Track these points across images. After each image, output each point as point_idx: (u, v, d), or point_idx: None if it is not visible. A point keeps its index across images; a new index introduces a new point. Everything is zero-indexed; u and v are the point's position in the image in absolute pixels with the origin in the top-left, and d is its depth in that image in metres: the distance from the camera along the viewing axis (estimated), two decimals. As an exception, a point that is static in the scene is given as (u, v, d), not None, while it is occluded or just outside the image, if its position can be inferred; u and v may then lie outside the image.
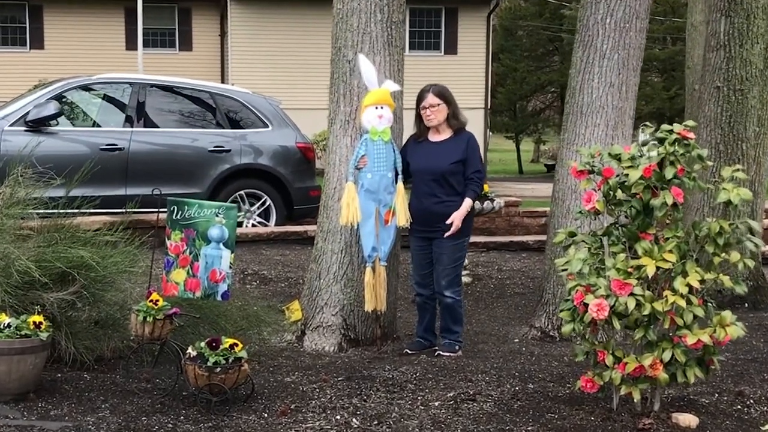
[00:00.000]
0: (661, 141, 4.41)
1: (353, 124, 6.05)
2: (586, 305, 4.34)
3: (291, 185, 10.39)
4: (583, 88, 6.44)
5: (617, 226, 4.58)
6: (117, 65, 21.77)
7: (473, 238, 9.99)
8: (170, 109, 10.34)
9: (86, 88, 10.18)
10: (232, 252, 5.01)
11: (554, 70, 43.04)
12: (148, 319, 4.60)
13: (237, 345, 4.56)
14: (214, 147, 10.12)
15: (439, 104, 5.78)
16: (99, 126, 10.04)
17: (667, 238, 4.43)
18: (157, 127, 10.11)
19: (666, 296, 4.30)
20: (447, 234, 5.72)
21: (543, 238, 10.28)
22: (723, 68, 7.55)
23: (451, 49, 27.18)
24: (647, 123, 4.49)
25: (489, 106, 28.50)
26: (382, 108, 5.75)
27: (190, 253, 4.98)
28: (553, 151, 56.75)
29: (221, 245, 4.99)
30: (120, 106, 10.13)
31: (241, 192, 10.26)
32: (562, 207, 6.55)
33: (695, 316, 4.36)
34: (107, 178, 9.66)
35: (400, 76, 6.18)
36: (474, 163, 5.83)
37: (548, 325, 6.54)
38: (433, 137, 5.88)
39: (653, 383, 4.45)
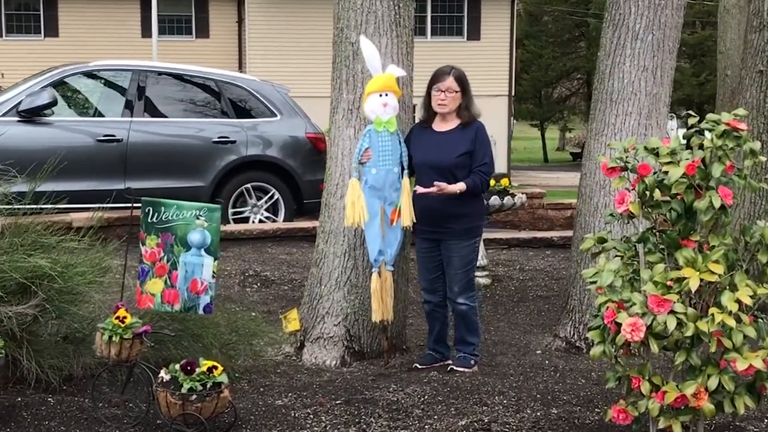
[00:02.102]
0: (700, 132, 3.79)
1: (357, 113, 5.45)
2: (618, 324, 3.73)
3: (300, 178, 9.79)
4: (614, 72, 5.80)
5: (654, 231, 3.95)
6: (133, 53, 21.28)
7: (494, 235, 9.42)
8: (173, 97, 9.75)
9: (83, 75, 9.63)
10: (215, 259, 4.43)
11: (580, 56, 42.26)
12: (114, 338, 4.04)
13: (216, 368, 3.99)
14: (219, 137, 9.54)
15: (456, 91, 5.16)
16: (96, 115, 9.49)
17: (713, 246, 3.80)
18: (159, 116, 9.55)
19: (712, 314, 3.67)
20: (421, 191, 5.05)
21: (568, 234, 9.65)
22: (766, 50, 6.85)
23: (474, 35, 26.47)
24: (690, 111, 3.85)
25: (513, 94, 27.77)
26: (386, 95, 5.14)
27: (167, 261, 4.40)
28: (579, 139, 55.91)
29: (203, 251, 4.41)
30: (119, 94, 9.57)
31: (248, 185, 9.68)
32: (590, 204, 5.92)
33: (745, 337, 3.73)
34: (105, 171, 9.16)
35: (409, 60, 5.57)
36: (481, 155, 5.17)
37: (574, 334, 5.92)
38: (439, 126, 5.26)
39: (696, 414, 3.82)
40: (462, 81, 5.18)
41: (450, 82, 5.15)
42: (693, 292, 3.71)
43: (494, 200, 7.38)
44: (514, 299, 7.27)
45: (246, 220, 9.70)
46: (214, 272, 4.44)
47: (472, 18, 26.38)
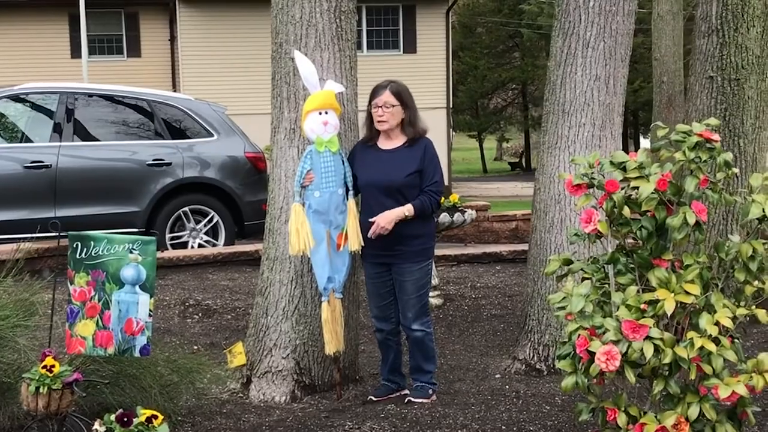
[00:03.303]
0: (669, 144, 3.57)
1: (300, 132, 5.13)
2: (591, 353, 3.47)
3: (241, 199, 9.43)
4: (565, 82, 5.58)
5: (624, 251, 3.71)
6: (62, 74, 20.69)
7: (442, 251, 9.15)
8: (104, 119, 9.33)
9: (8, 99, 9.15)
10: (151, 296, 4.08)
11: (515, 67, 42.49)
12: (41, 390, 3.66)
13: (156, 417, 3.63)
14: (154, 160, 9.13)
15: (394, 105, 4.86)
16: (23, 141, 9.02)
17: (687, 265, 3.57)
18: (89, 140, 9.12)
19: (691, 339, 3.44)
20: (370, 233, 4.77)
21: (517, 248, 9.48)
22: (716, 56, 6.71)
23: (411, 47, 26.35)
24: (659, 122, 3.62)
25: (451, 105, 27.67)
26: (326, 113, 4.84)
27: (99, 300, 4.04)
28: (516, 148, 56.29)
29: (137, 288, 4.06)
30: (47, 118, 9.10)
31: (186, 209, 9.29)
32: (545, 220, 5.69)
33: (725, 360, 3.51)
34: (33, 199, 8.70)
35: (352, 75, 5.27)
36: (431, 173, 4.87)
37: (533, 356, 5.67)
38: (385, 144, 4.96)
39: (676, 445, 3.58)
40: (401, 95, 4.89)
41: (386, 96, 4.86)
42: (669, 315, 3.48)
43: (444, 217, 7.12)
44: (467, 319, 7.00)
45: (185, 245, 9.31)
46: (150, 310, 4.09)
47: (408, 31, 26.25)
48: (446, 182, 26.49)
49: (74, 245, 4.02)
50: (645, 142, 41.60)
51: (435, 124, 26.20)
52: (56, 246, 4.11)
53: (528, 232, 12.53)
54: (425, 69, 25.69)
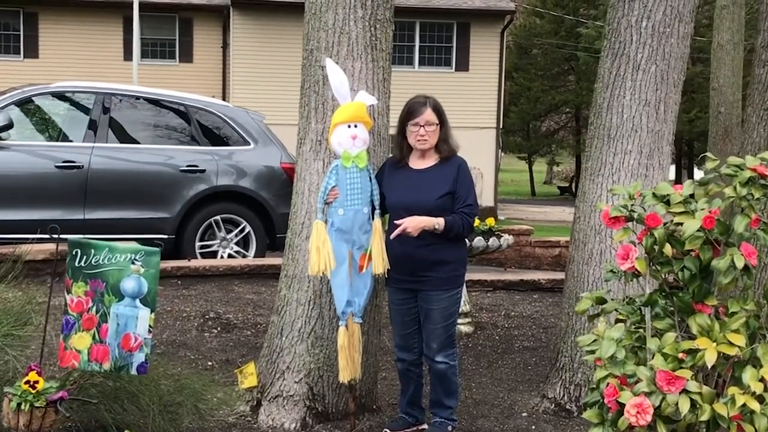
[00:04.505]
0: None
1: (326, 144, 4.86)
2: (621, 404, 3.13)
3: (274, 210, 9.18)
4: (612, 106, 5.25)
5: (664, 292, 3.36)
6: (114, 76, 20.78)
7: (478, 275, 8.83)
8: (139, 122, 9.15)
9: (45, 97, 9.00)
10: (152, 311, 3.82)
11: (569, 90, 42.00)
12: (23, 407, 3.41)
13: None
14: (187, 166, 8.93)
15: (437, 123, 4.57)
16: (57, 140, 8.87)
17: (733, 313, 3.22)
18: (123, 142, 8.94)
19: (732, 395, 3.08)
20: (394, 234, 4.44)
21: (557, 276, 9.12)
22: (776, 86, 6.32)
23: (463, 65, 26.06)
24: (708, 153, 3.28)
25: (501, 126, 27.32)
26: (356, 126, 4.54)
27: (96, 312, 3.80)
28: (567, 172, 55.67)
29: (138, 302, 3.81)
30: (82, 118, 8.95)
31: (217, 217, 9.07)
32: (583, 251, 5.35)
33: (770, 420, 3.14)
34: (63, 200, 8.54)
35: (385, 87, 4.99)
36: (465, 195, 4.56)
37: (564, 395, 5.33)
38: (416, 163, 4.66)
39: None
40: (440, 112, 4.60)
41: (429, 114, 4.55)
42: (710, 367, 3.13)
43: (478, 241, 6.79)
44: (498, 350, 6.66)
45: (214, 254, 9.08)
46: (150, 326, 3.83)
47: (461, 48, 25.99)
48: (492, 203, 26.15)
49: (73, 252, 3.78)
50: (699, 174, 40.85)
51: (484, 144, 25.96)
52: (55, 251, 3.85)
53: (571, 259, 12.25)
54: (477, 88, 25.43)
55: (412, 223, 4.43)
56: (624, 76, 5.20)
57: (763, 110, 6.42)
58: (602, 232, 5.25)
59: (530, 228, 12.93)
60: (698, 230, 3.14)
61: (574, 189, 46.66)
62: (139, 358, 3.84)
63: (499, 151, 28.40)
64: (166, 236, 8.80)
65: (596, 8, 38.43)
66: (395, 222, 4.48)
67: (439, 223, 4.47)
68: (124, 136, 8.97)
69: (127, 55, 23.20)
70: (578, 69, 41.10)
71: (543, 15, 41.57)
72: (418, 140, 4.56)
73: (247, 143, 9.27)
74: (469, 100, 24.75)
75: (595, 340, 3.32)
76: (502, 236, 6.95)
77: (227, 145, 9.23)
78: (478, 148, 24.23)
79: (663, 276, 3.31)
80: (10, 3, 24.12)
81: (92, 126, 8.78)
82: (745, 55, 19.48)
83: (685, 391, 3.08)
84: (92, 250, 3.79)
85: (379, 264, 4.61)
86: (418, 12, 24.65)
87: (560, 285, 8.78)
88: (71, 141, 8.79)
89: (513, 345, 6.80)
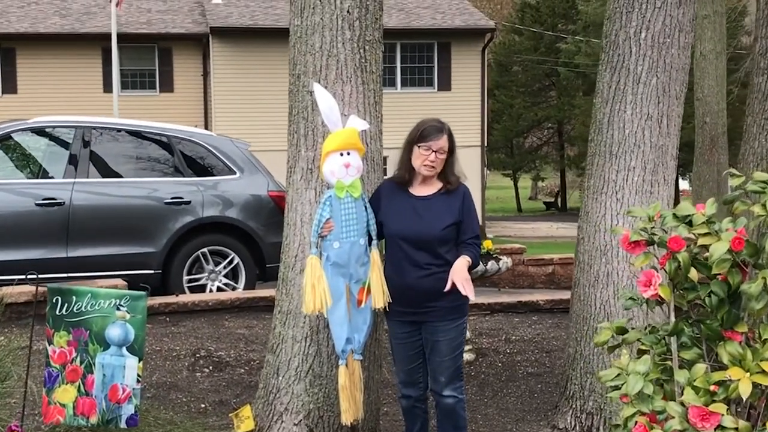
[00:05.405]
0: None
1: (318, 172, 4.63)
2: (650, 443, 2.91)
3: (263, 240, 8.92)
4: (613, 121, 5.06)
5: (689, 320, 3.14)
6: (95, 109, 20.51)
7: (475, 299, 8.58)
8: (121, 155, 8.87)
9: (23, 132, 8.74)
10: (140, 360, 3.57)
11: (551, 106, 42.04)
12: (3, 471, 3.16)
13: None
14: (172, 198, 8.68)
15: (446, 152, 4.33)
16: (36, 177, 8.61)
17: (766, 339, 3.00)
18: (105, 176, 8.68)
19: (770, 428, 2.86)
20: (447, 288, 4.17)
21: (555, 296, 8.91)
22: (776, 94, 6.15)
23: (445, 85, 25.98)
24: (734, 170, 3.07)
25: (485, 144, 27.18)
26: (348, 154, 4.30)
27: (81, 363, 3.55)
28: (551, 187, 55.57)
29: (124, 350, 3.56)
30: (62, 153, 8.69)
31: (205, 250, 8.81)
32: (589, 273, 5.13)
33: (810, 454, 2.92)
34: (45, 239, 8.27)
35: (377, 110, 4.77)
36: (471, 226, 4.35)
37: (575, 425, 5.10)
38: (418, 189, 4.41)
39: None
40: (453, 140, 4.37)
41: (443, 141, 4.30)
42: (744, 399, 2.91)
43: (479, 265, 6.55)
44: (502, 378, 6.42)
45: (203, 288, 8.82)
46: (139, 376, 3.58)
47: (443, 68, 25.90)
48: (480, 221, 25.98)
49: (54, 300, 3.53)
50: (684, 184, 40.78)
51: (469, 163, 25.77)
52: (33, 298, 3.60)
53: (565, 276, 12.06)
54: (460, 107, 25.31)
55: (459, 275, 4.18)
56: (624, 89, 5.01)
57: (763, 119, 6.25)
58: (608, 252, 5.05)
59: (523, 246, 12.75)
60: (726, 252, 2.93)
61: (559, 203, 46.60)
62: (128, 410, 3.58)
63: (485, 168, 28.27)
64: (152, 271, 8.54)
65: (574, 23, 38.53)
66: (455, 282, 4.18)
67: (468, 261, 4.26)
68: (105, 170, 8.71)
69: (107, 87, 22.92)
70: (559, 84, 41.15)
71: (522, 32, 41.65)
72: (425, 165, 4.32)
73: (232, 172, 9.03)
74: (453, 119, 24.20)
75: (618, 374, 3.09)
76: (501, 259, 6.73)
77: (212, 175, 8.99)
78: (463, 167, 24.01)
79: (689, 303, 3.09)
80: (-13, 39, 23.89)
81: (72, 161, 8.53)
82: (727, 64, 19.44)
83: (720, 427, 2.85)
84: (74, 297, 3.55)
85: (380, 297, 4.37)
86: (399, 33, 24.55)
87: (559, 305, 8.57)
88: (51, 177, 8.53)
89: (517, 372, 6.56)
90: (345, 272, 4.32)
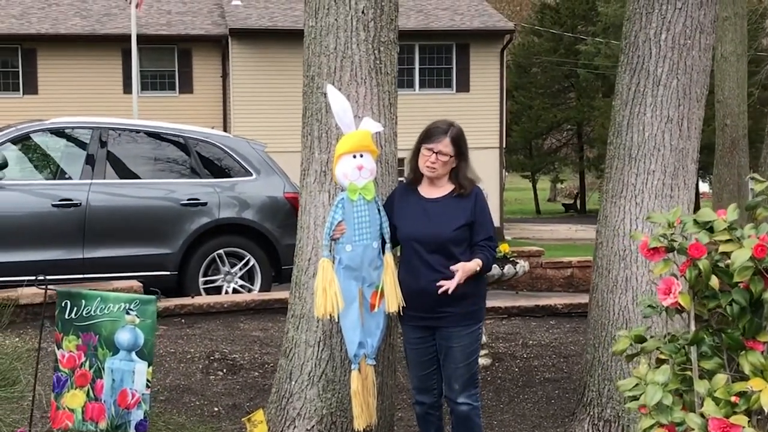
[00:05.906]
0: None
1: (332, 175, 4.58)
2: (669, 456, 2.83)
3: (279, 242, 8.89)
4: (632, 124, 4.97)
5: (710, 329, 3.06)
6: (115, 109, 20.57)
7: (492, 302, 8.51)
8: (137, 156, 8.87)
9: (40, 133, 8.75)
10: (149, 365, 3.53)
11: (570, 107, 41.84)
12: (9, 477, 3.12)
13: None
14: (188, 199, 8.66)
15: (450, 156, 4.27)
16: (53, 177, 8.61)
17: (789, 349, 2.92)
18: (122, 177, 8.67)
19: (794, 442, 2.78)
20: (441, 290, 4.10)
21: (574, 300, 8.82)
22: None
23: (464, 86, 25.92)
24: (756, 175, 2.99)
25: (504, 145, 27.08)
26: (361, 156, 4.25)
27: (90, 367, 3.51)
28: (570, 189, 55.31)
29: (134, 355, 3.52)
30: (79, 153, 8.68)
31: (221, 251, 8.78)
32: (608, 279, 5.05)
33: (835, 468, 2.84)
34: (61, 240, 8.27)
35: (392, 112, 4.71)
36: (485, 227, 4.28)
37: (593, 432, 5.01)
38: (428, 191, 4.35)
39: None
40: (459, 144, 4.29)
41: (444, 144, 4.25)
42: (766, 411, 2.82)
43: (493, 269, 6.48)
44: (518, 383, 6.34)
45: (219, 289, 8.79)
46: (148, 381, 3.54)
47: (461, 70, 25.84)
48: (498, 224, 25.86)
49: (63, 304, 3.49)
50: (704, 186, 40.47)
51: (487, 164, 25.66)
52: (43, 302, 3.56)
53: (583, 280, 11.95)
54: (478, 108, 25.24)
55: (460, 274, 4.11)
56: (644, 92, 4.93)
57: (786, 122, 6.14)
58: (627, 257, 4.96)
59: (541, 249, 12.65)
60: (748, 260, 2.84)
61: (578, 205, 46.39)
62: (137, 415, 3.54)
63: (503, 170, 28.16)
64: (168, 272, 8.52)
65: (594, 25, 38.31)
66: (442, 283, 4.13)
67: (478, 264, 4.19)
68: (122, 171, 8.71)
69: (127, 88, 22.98)
70: (578, 86, 40.96)
71: (541, 33, 41.49)
72: (427, 167, 4.28)
73: (249, 174, 9.00)
74: (471, 120, 24.44)
75: (636, 384, 3.01)
76: (517, 263, 6.65)
77: (229, 176, 8.97)
78: (481, 169, 23.58)
79: (710, 311, 3.01)
80: (8, 40, 24.01)
81: (90, 161, 8.52)
82: (748, 66, 19.26)
83: (741, 440, 2.77)
84: (83, 301, 3.51)
85: (393, 301, 4.31)
86: (417, 34, 24.50)
87: (577, 309, 8.48)
88: (69, 178, 8.53)
89: (534, 377, 6.48)
90: (357, 275, 4.26)
